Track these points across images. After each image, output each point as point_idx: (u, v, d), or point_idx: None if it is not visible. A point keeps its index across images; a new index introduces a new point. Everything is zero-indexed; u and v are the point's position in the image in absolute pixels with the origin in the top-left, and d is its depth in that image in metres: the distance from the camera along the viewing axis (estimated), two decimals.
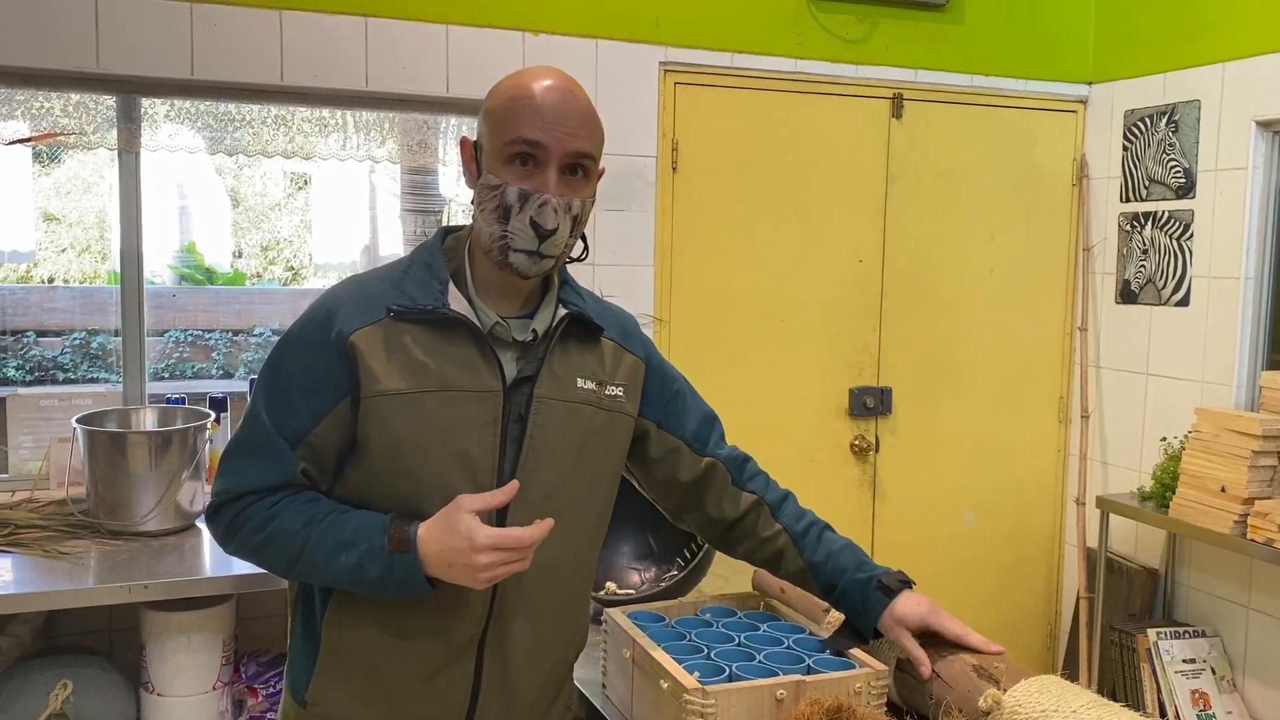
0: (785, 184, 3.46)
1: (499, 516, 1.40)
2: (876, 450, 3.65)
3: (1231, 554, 3.22)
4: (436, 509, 1.36)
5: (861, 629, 1.58)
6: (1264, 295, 3.26)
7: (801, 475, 3.56)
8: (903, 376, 3.66)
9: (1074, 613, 3.74)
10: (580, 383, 1.49)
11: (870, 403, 3.61)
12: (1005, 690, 1.41)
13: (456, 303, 1.42)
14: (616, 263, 3.27)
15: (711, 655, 1.53)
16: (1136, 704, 3.31)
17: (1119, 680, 3.39)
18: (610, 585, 2.04)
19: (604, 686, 1.70)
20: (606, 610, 1.67)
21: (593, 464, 1.51)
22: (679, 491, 1.64)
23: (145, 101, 2.83)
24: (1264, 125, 3.20)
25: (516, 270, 1.40)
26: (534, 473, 1.44)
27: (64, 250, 5.25)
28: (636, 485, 1.69)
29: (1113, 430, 3.70)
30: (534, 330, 1.46)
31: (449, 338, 1.41)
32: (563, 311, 1.49)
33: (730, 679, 1.46)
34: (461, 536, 1.31)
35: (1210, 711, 3.20)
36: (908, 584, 1.59)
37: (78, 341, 4.54)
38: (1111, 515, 3.41)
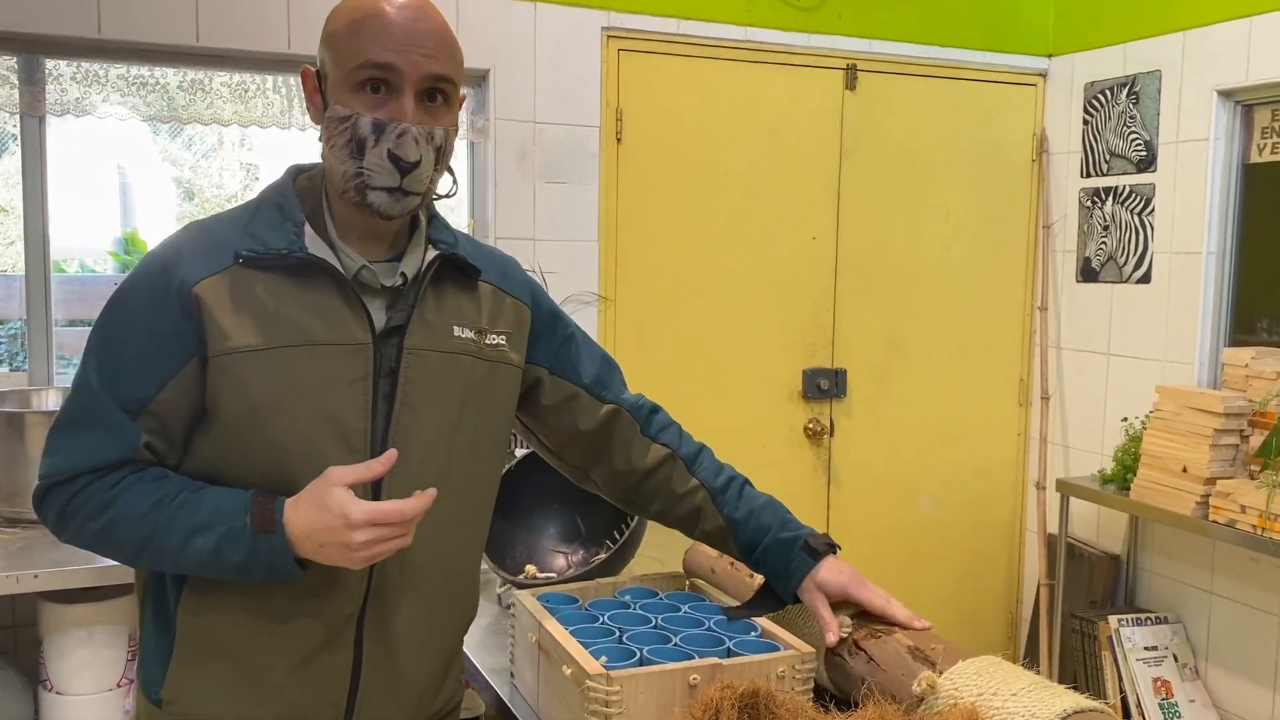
0: (735, 157, 3.33)
1: (374, 486, 1.26)
2: (831, 434, 3.53)
3: (1194, 537, 3.12)
4: (304, 480, 1.22)
5: (781, 593, 1.47)
6: (1226, 270, 3.17)
7: (753, 460, 3.43)
8: (858, 358, 3.54)
9: (1035, 600, 3.64)
10: (457, 331, 1.34)
11: (824, 385, 3.49)
12: (941, 673, 1.29)
13: (315, 246, 1.27)
14: (558, 238, 3.13)
15: (624, 639, 1.40)
16: (1097, 693, 3.21)
17: (1080, 669, 3.29)
18: (530, 568, 1.90)
19: (512, 675, 1.56)
20: (515, 593, 1.53)
21: (476, 421, 1.36)
22: (580, 444, 1.51)
23: (50, 63, 2.66)
24: (1225, 95, 3.11)
25: (377, 210, 1.25)
26: (410, 433, 1.29)
27: None
28: (533, 445, 1.56)
29: (1073, 412, 3.60)
30: (402, 274, 1.31)
31: (308, 285, 1.26)
32: (433, 253, 1.34)
33: (641, 663, 1.32)
34: (333, 514, 1.17)
35: (1173, 700, 3.10)
36: (833, 548, 1.47)
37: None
38: (1072, 499, 3.31)
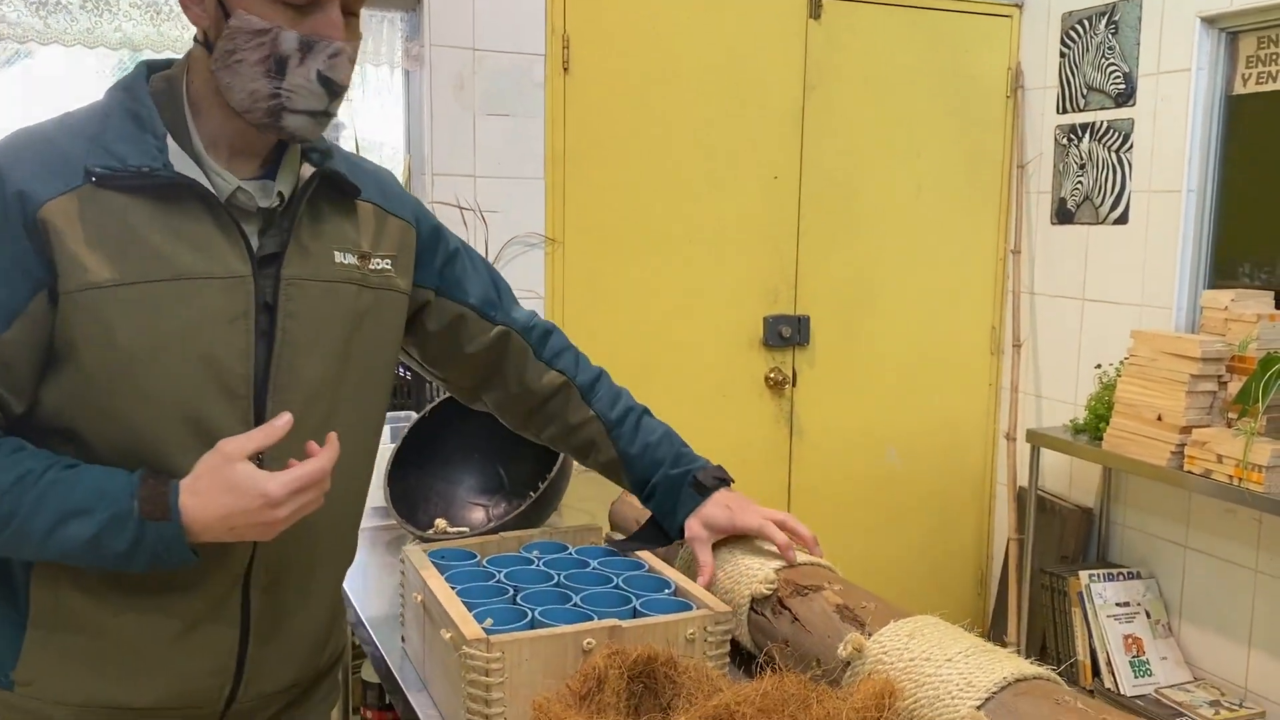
0: (691, 91, 3.14)
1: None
2: (793, 384, 3.38)
3: (1168, 488, 2.99)
4: (178, 437, 1.07)
5: (667, 529, 1.39)
6: (1207, 209, 3.00)
7: (712, 411, 3.28)
8: (822, 304, 3.38)
9: (1004, 556, 3.51)
10: (338, 257, 1.19)
11: (786, 332, 3.33)
12: (870, 634, 1.14)
13: (181, 164, 1.10)
14: (500, 175, 2.94)
15: (518, 599, 1.24)
16: (1067, 651, 3.09)
17: (1049, 626, 3.17)
18: (440, 523, 1.74)
19: (402, 639, 1.40)
20: (405, 549, 1.37)
21: (364, 355, 1.21)
22: (468, 368, 1.39)
23: None
24: (1209, 21, 2.93)
25: (293, 134, 1.10)
26: (294, 374, 1.14)
27: None
28: (414, 367, 1.42)
29: (1046, 361, 3.45)
30: (279, 194, 1.14)
31: (175, 209, 1.09)
32: (309, 170, 1.17)
33: (531, 626, 1.16)
34: (250, 495, 1.03)
35: (1144, 658, 2.99)
36: (725, 482, 1.40)
37: None
38: (1043, 451, 3.17)
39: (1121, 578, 3.08)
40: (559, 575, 1.30)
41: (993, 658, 1.05)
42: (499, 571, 1.31)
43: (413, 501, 1.80)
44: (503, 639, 1.09)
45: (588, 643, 1.12)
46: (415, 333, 1.34)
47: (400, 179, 1.47)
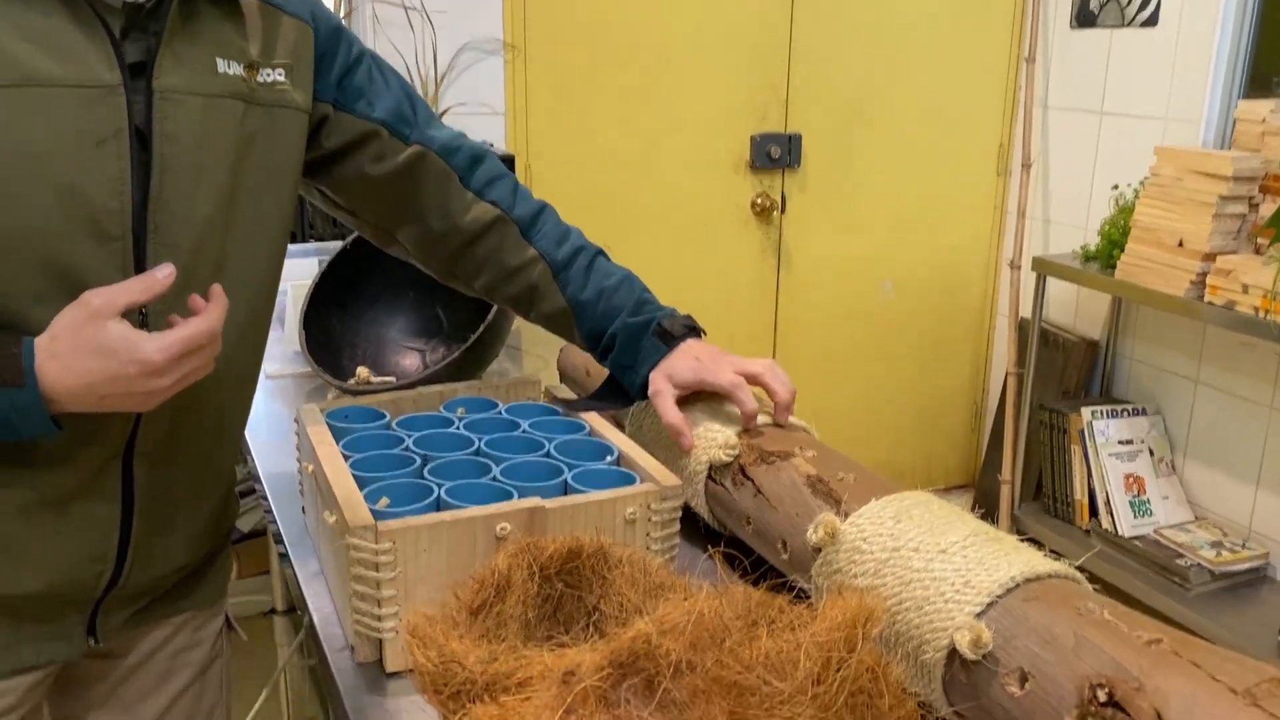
0: None
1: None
2: (782, 210, 3.11)
3: (1183, 320, 2.78)
4: (33, 285, 0.87)
5: (627, 386, 1.18)
6: (1249, 8, 2.67)
7: (693, 240, 3.03)
8: (814, 122, 3.07)
9: (1002, 391, 3.33)
10: (221, 66, 0.95)
11: (775, 153, 3.04)
12: (847, 515, 0.93)
13: None
14: None
15: (426, 471, 1.03)
16: (1064, 491, 2.95)
17: (1047, 465, 3.01)
18: (362, 371, 1.52)
19: (304, 511, 1.20)
20: (300, 409, 1.15)
21: (257, 187, 1.00)
22: (379, 198, 1.16)
23: None
24: None
25: None
26: (178, 210, 0.93)
27: None
28: (317, 201, 1.19)
29: (1058, 182, 3.18)
30: None
31: (24, 1, 0.85)
32: None
33: (436, 507, 0.96)
34: (123, 360, 0.84)
35: (1145, 497, 2.84)
36: (695, 332, 1.18)
37: None
38: (1049, 280, 2.93)
39: (1126, 414, 2.90)
40: (480, 441, 1.09)
41: (998, 549, 0.84)
42: (408, 436, 1.10)
43: (336, 346, 1.58)
44: (393, 526, 0.89)
45: (502, 528, 0.92)
46: (319, 159, 1.12)
47: None
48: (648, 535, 0.98)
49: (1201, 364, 2.82)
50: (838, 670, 0.60)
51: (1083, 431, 2.87)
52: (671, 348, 1.14)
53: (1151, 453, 2.89)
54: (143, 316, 0.91)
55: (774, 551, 1.02)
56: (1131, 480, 2.85)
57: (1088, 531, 2.87)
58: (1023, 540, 0.89)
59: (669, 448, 1.15)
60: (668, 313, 1.17)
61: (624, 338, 1.16)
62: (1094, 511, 2.87)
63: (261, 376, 1.67)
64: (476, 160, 1.18)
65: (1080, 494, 2.90)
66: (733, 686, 0.61)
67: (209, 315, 0.87)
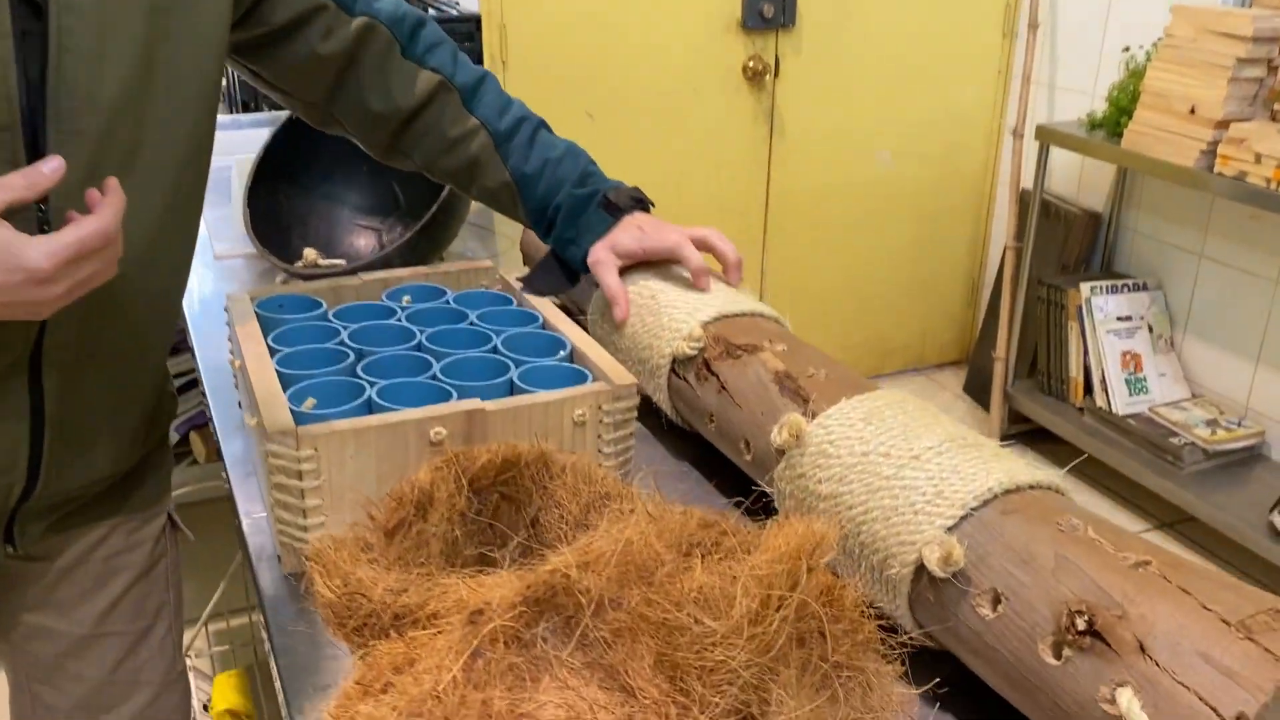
0: None
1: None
2: (775, 74, 2.95)
3: (1190, 192, 2.66)
4: None
5: (569, 261, 1.11)
6: None
7: (680, 107, 2.88)
8: None
9: (1000, 264, 3.23)
10: None
11: (769, 11, 2.86)
12: (815, 415, 0.86)
13: None
14: None
15: (359, 368, 0.95)
16: (1059, 369, 2.88)
17: (1042, 341, 2.94)
18: (309, 253, 1.42)
19: (240, 406, 1.13)
20: (227, 296, 1.06)
21: (174, 59, 0.88)
22: (320, 75, 1.07)
23: None
24: None
25: None
26: (82, 93, 0.81)
27: None
28: (251, 78, 1.10)
29: (1065, 45, 3.00)
30: None
31: None
32: None
33: (368, 409, 0.88)
34: (6, 267, 0.74)
35: (1141, 375, 2.77)
36: (643, 204, 1.11)
37: None
38: (1053, 150, 2.80)
39: (1126, 289, 2.81)
40: (421, 335, 1.00)
41: (976, 457, 0.77)
42: (344, 328, 1.01)
43: (285, 225, 1.48)
44: (315, 431, 0.81)
45: (436, 433, 0.84)
46: (254, 35, 1.01)
47: None
48: (599, 438, 0.91)
49: (1207, 237, 2.71)
50: (778, 610, 0.53)
51: (1081, 307, 2.79)
52: (617, 219, 1.08)
53: (1151, 329, 2.81)
54: (42, 214, 0.81)
55: (737, 452, 0.95)
56: (1128, 357, 2.78)
57: (1081, 410, 2.81)
58: (1002, 447, 0.81)
59: (629, 350, 1.06)
60: (613, 185, 1.11)
61: (568, 210, 1.10)
62: (1088, 389, 2.81)
63: (210, 258, 1.58)
64: (418, 26, 1.10)
65: (1075, 371, 2.83)
66: (660, 626, 0.54)
67: (101, 214, 0.77)
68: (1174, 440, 2.59)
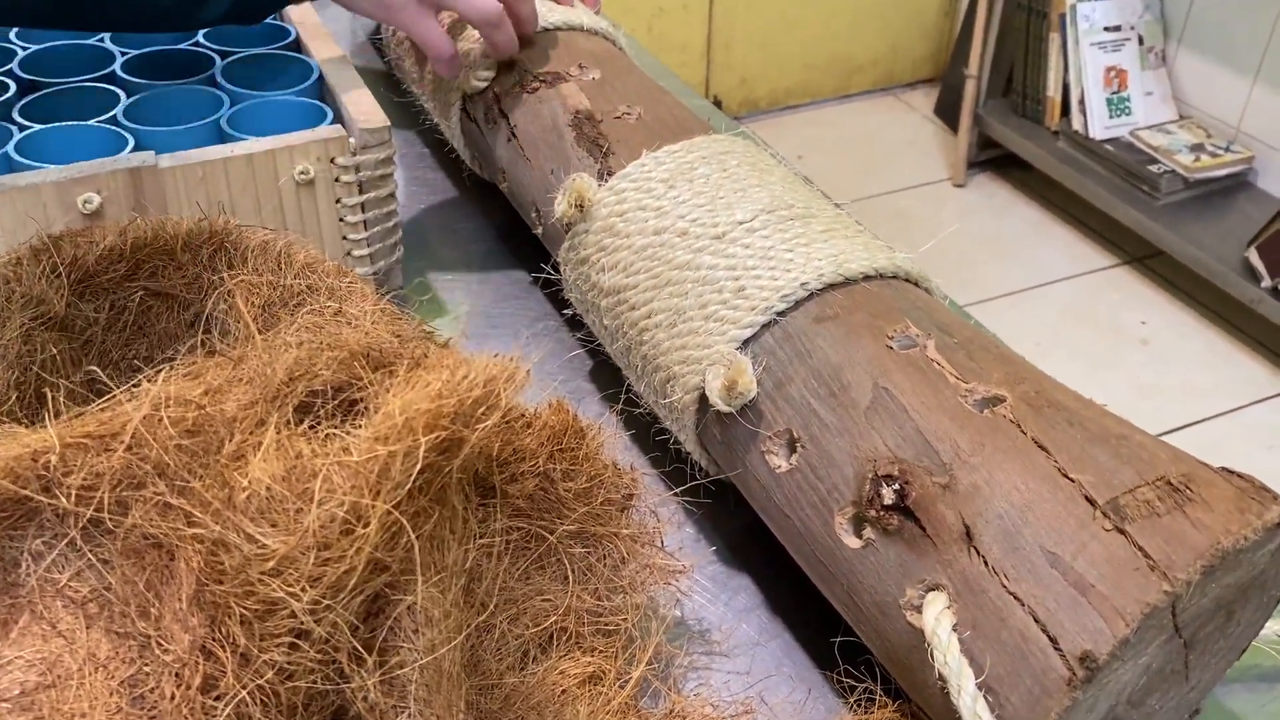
0: None
1: None
2: None
3: None
4: None
5: None
6: None
7: None
8: None
9: None
10: None
11: None
12: (610, 174, 0.63)
13: None
14: None
15: (15, 110, 0.71)
16: (1035, 87, 2.58)
17: (1020, 56, 2.62)
18: None
19: None
20: None
21: None
22: None
23: None
24: None
25: None
26: None
27: None
28: None
29: None
30: None
31: None
32: None
33: (9, 167, 0.65)
34: None
35: (1125, 93, 2.49)
36: None
37: None
38: None
39: None
40: (119, 59, 0.75)
41: (800, 234, 0.55)
42: (22, 49, 0.76)
43: None
44: None
45: (86, 201, 0.62)
46: None
47: None
48: (338, 203, 0.68)
49: None
50: (368, 525, 0.33)
51: (1064, 16, 2.46)
52: None
53: (1141, 40, 2.50)
54: None
55: (531, 221, 0.73)
56: (1113, 74, 2.48)
57: (1056, 133, 2.55)
58: (846, 214, 0.59)
59: (432, 93, 0.81)
60: None
61: None
62: (1065, 110, 2.53)
63: None
64: None
65: (1054, 90, 2.54)
66: (193, 542, 0.34)
67: None
68: (1152, 168, 2.34)
